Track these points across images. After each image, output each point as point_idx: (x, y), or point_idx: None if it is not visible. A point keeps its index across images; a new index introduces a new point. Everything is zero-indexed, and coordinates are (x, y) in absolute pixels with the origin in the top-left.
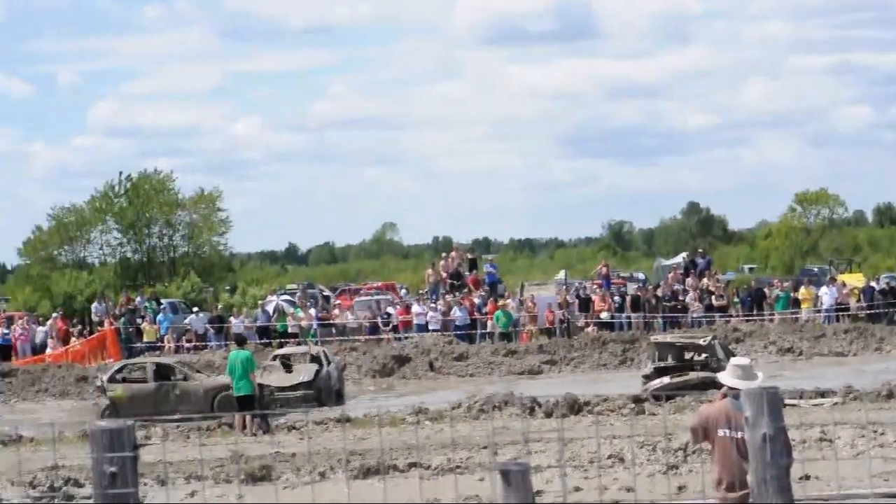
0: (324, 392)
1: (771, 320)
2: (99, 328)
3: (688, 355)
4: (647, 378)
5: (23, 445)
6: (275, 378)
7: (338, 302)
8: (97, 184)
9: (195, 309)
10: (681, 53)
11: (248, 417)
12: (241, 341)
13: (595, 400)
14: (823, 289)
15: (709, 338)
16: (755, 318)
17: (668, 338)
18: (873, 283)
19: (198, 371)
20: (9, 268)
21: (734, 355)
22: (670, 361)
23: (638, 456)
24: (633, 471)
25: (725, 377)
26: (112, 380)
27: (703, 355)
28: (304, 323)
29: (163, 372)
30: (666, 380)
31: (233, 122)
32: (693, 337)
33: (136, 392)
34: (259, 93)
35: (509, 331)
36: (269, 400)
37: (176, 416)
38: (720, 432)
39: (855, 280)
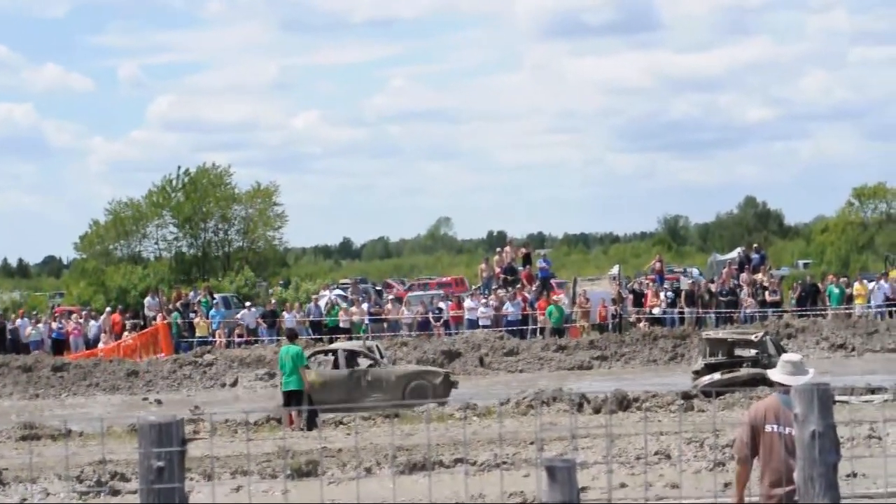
0: None
1: (824, 316)
2: (152, 323)
3: (739, 351)
4: (697, 374)
5: (71, 440)
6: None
7: (391, 297)
8: (155, 178)
9: (247, 304)
10: (741, 46)
11: (295, 413)
12: (291, 336)
13: (644, 396)
14: (876, 284)
15: (760, 334)
16: (808, 313)
17: (720, 334)
18: None
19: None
20: (65, 262)
21: (786, 351)
22: (721, 357)
23: (685, 453)
24: (680, 467)
25: (775, 373)
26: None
27: (754, 351)
28: (355, 318)
29: (354, 358)
30: (716, 376)
31: (291, 116)
32: (744, 333)
33: (329, 378)
34: (318, 87)
35: (561, 326)
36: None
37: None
38: (768, 428)
39: None
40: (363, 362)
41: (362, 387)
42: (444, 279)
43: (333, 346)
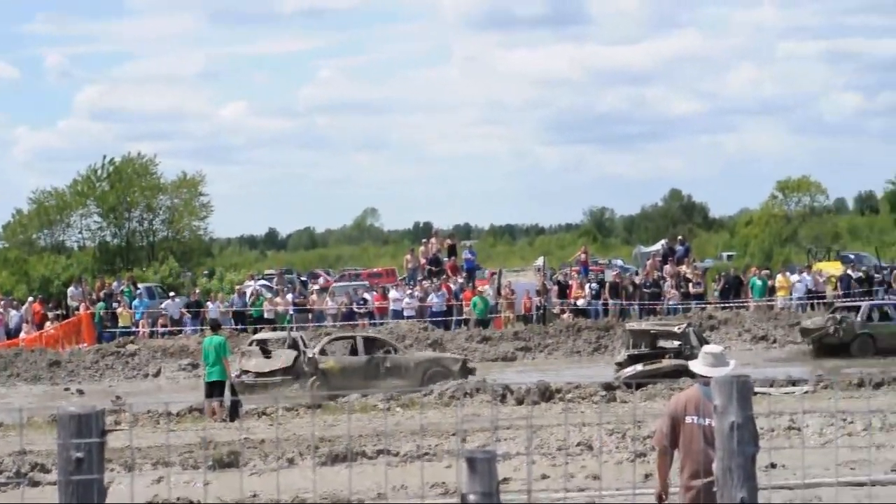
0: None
1: (746, 308)
2: (75, 312)
3: (662, 343)
4: (620, 365)
5: None
6: (254, 364)
7: (315, 288)
8: (81, 167)
9: (172, 294)
10: (669, 39)
11: (217, 403)
12: (215, 326)
13: (567, 387)
14: (798, 276)
15: (683, 325)
16: (731, 305)
17: (643, 325)
18: (850, 272)
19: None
20: None
21: (708, 343)
22: (644, 349)
23: (606, 444)
24: (601, 458)
25: (696, 365)
26: (323, 352)
27: (677, 343)
28: (280, 308)
29: (372, 345)
30: (639, 367)
31: (219, 106)
32: (668, 324)
33: (347, 364)
34: (247, 77)
35: (486, 317)
36: (247, 386)
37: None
38: (688, 419)
39: (832, 268)
40: (389, 347)
41: (381, 373)
42: (375, 270)
43: (350, 332)
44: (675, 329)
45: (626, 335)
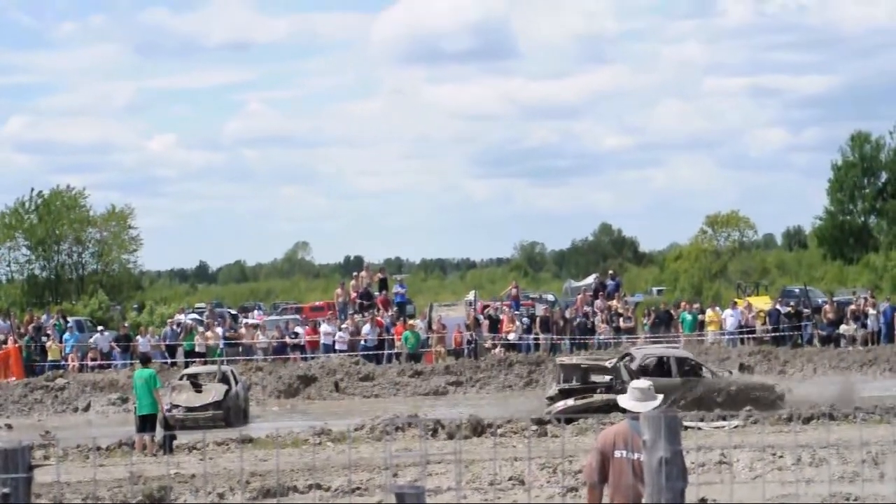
0: (232, 412)
1: (677, 343)
2: (3, 346)
3: (593, 377)
4: (552, 399)
5: None
6: (185, 398)
7: (246, 321)
8: (7, 200)
9: (101, 327)
10: (597, 74)
11: (148, 437)
12: (145, 360)
13: (498, 421)
14: (729, 311)
15: (614, 360)
16: (661, 339)
17: (574, 359)
18: (779, 306)
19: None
20: None
21: (639, 378)
22: (575, 383)
23: (538, 478)
24: (532, 493)
25: (625, 400)
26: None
27: (608, 377)
28: (211, 342)
29: (682, 366)
30: (570, 402)
31: (147, 139)
32: (599, 359)
33: (663, 385)
34: (174, 110)
35: (417, 352)
36: (177, 420)
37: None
38: (617, 453)
39: (761, 303)
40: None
41: (693, 394)
42: (316, 304)
43: (658, 352)
44: (606, 363)
45: (557, 369)
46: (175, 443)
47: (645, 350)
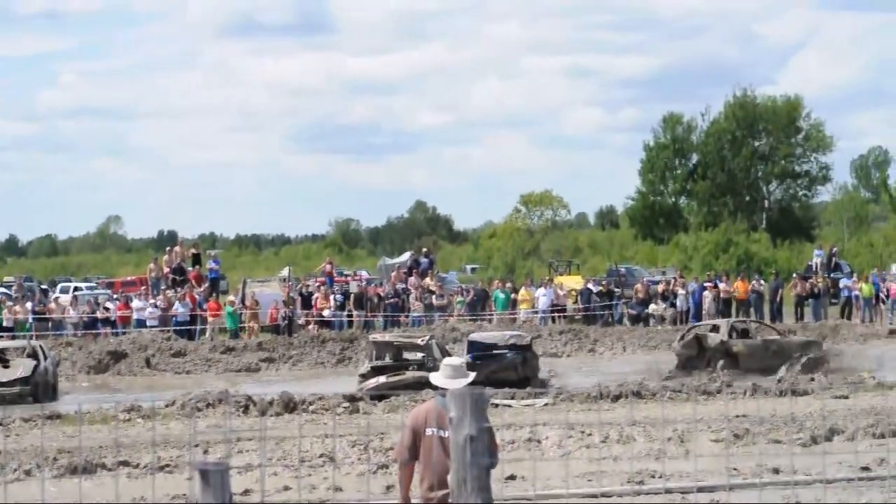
0: (41, 388)
1: (490, 321)
2: None
3: (406, 355)
4: (364, 377)
5: None
6: None
7: (56, 296)
8: None
9: None
10: (416, 51)
11: None
12: None
13: (310, 398)
14: (541, 290)
15: (426, 337)
16: (475, 317)
17: (387, 337)
18: (590, 285)
19: None
20: None
21: (451, 355)
22: (387, 360)
23: (349, 455)
24: (343, 470)
25: (436, 377)
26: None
27: (420, 355)
28: (19, 316)
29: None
30: (382, 379)
31: None
32: (411, 336)
33: (751, 347)
34: None
35: (237, 328)
36: None
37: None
38: (428, 431)
39: (573, 282)
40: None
41: (768, 356)
42: (128, 278)
43: (725, 320)
44: (418, 341)
45: (370, 347)
46: None
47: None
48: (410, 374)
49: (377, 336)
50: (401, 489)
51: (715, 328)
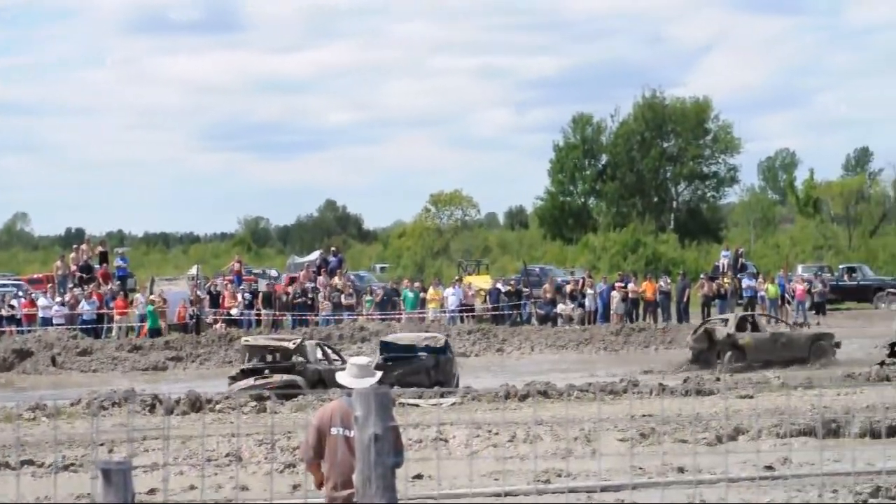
0: None
1: (399, 320)
2: None
3: (277, 357)
4: (234, 379)
5: None
6: None
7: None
8: None
9: None
10: (326, 49)
11: None
12: None
13: (217, 397)
14: (450, 290)
15: (298, 340)
16: (383, 316)
17: (260, 340)
18: (499, 285)
19: None
20: None
21: (340, 356)
22: (258, 363)
23: (255, 454)
24: (249, 469)
25: (342, 376)
26: (739, 328)
27: (292, 357)
28: None
29: (754, 322)
30: (251, 381)
31: None
32: (283, 339)
33: (758, 340)
34: None
35: (158, 327)
36: None
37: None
38: (333, 430)
39: (482, 282)
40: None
41: (778, 348)
42: (35, 276)
43: (733, 314)
44: (290, 344)
45: (243, 349)
46: None
47: (740, 313)
48: (279, 377)
49: (250, 339)
50: (315, 483)
51: (725, 322)
